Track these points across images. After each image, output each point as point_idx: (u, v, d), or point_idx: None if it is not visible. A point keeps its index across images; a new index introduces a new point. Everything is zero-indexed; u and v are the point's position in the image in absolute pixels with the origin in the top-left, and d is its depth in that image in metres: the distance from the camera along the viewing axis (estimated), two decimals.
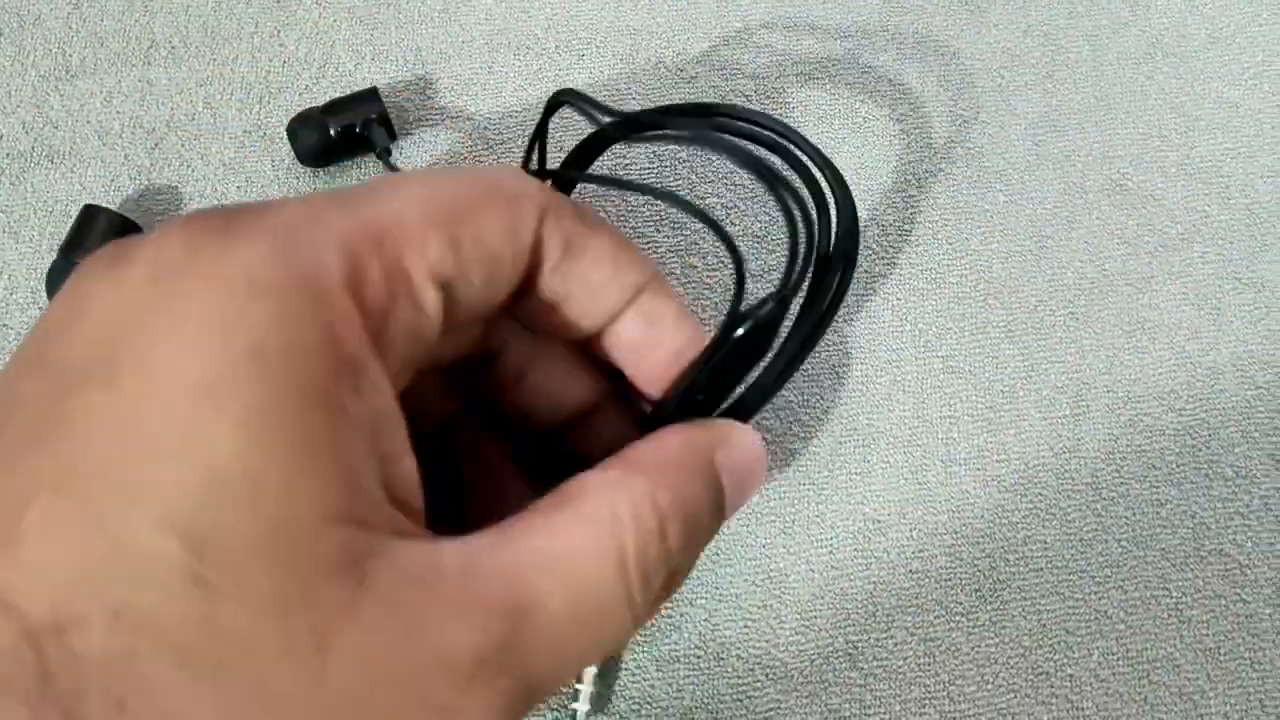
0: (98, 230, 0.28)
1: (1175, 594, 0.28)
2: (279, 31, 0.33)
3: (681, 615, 0.27)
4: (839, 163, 0.32)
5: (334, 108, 0.30)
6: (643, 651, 0.27)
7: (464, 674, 0.16)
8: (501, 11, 0.33)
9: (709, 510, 0.21)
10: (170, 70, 0.32)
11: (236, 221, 0.17)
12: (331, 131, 0.29)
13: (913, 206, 0.32)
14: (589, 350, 0.24)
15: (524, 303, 0.22)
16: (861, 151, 0.32)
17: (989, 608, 0.28)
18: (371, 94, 0.30)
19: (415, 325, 0.19)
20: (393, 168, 0.30)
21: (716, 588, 0.28)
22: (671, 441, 0.21)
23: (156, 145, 0.31)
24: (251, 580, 0.15)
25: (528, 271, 0.21)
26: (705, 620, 0.27)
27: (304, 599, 0.16)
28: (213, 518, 0.15)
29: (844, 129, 0.32)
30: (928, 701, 0.27)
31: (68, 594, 0.15)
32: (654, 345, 0.23)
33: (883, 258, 0.31)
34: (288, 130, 0.30)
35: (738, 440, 0.22)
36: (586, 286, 0.22)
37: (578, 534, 0.18)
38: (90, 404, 0.16)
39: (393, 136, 0.30)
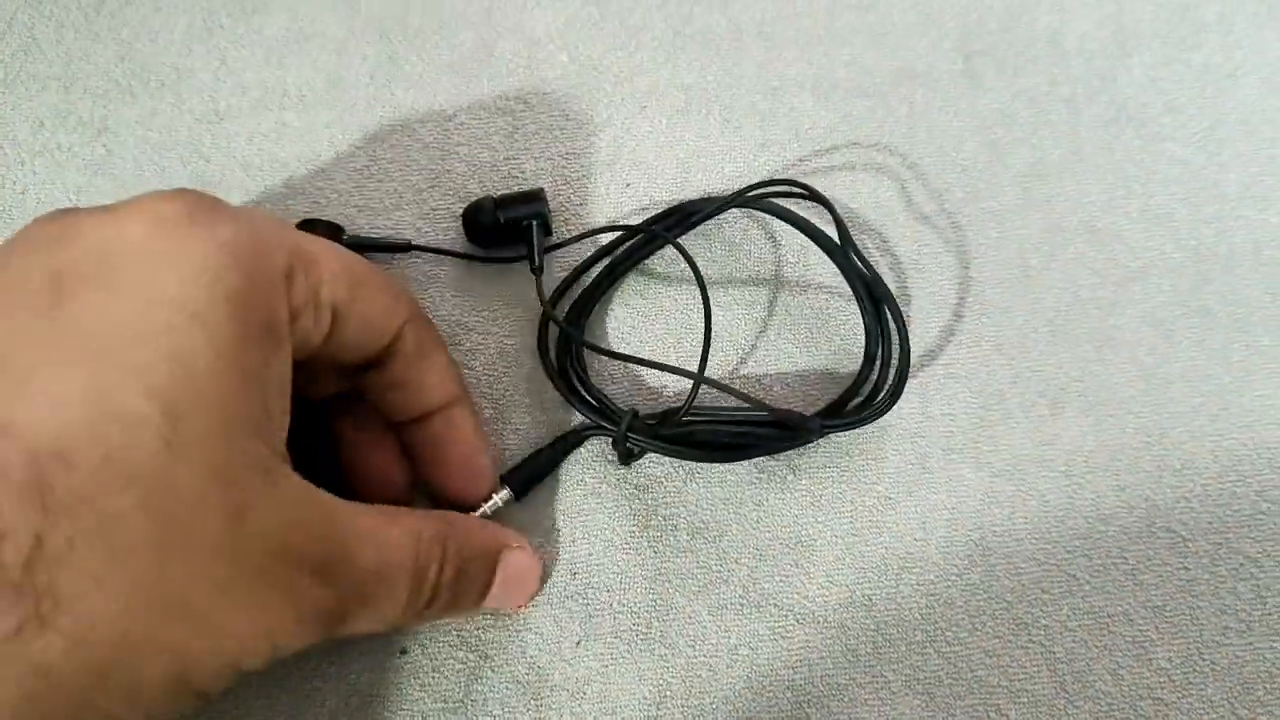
0: None
1: (1131, 561, 0.34)
2: (390, 83, 0.39)
3: (729, 571, 0.33)
4: (857, 204, 0.38)
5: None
6: (697, 600, 0.33)
7: (309, 570, 0.23)
8: (630, 145, 0.40)
9: (478, 579, 0.29)
10: (300, 114, 0.38)
11: (220, 205, 0.24)
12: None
13: (920, 240, 0.38)
14: (403, 436, 0.31)
15: (379, 376, 0.29)
16: (876, 194, 0.38)
17: (979, 569, 0.34)
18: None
19: (309, 332, 0.26)
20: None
21: (757, 550, 0.33)
22: (476, 523, 0.30)
23: (290, 177, 0.37)
24: (203, 455, 0.21)
25: (387, 351, 0.28)
26: (748, 576, 0.33)
27: (236, 481, 0.21)
28: (186, 405, 0.21)
29: (863, 173, 0.38)
30: (928, 644, 0.33)
31: (69, 434, 0.19)
32: (448, 445, 0.31)
33: (895, 283, 0.37)
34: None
35: (523, 553, 0.31)
36: (421, 384, 0.29)
37: (396, 531, 0.26)
38: (93, 302, 0.21)
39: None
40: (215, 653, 0.22)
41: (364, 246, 0.35)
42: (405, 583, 0.26)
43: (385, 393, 0.30)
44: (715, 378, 0.34)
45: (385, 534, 0.25)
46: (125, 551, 0.20)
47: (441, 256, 0.36)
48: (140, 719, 0.21)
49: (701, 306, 0.31)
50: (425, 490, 0.32)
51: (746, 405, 0.32)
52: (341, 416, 0.31)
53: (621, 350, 0.36)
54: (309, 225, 0.34)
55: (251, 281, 0.23)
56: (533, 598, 0.32)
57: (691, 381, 0.31)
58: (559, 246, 0.36)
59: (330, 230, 0.34)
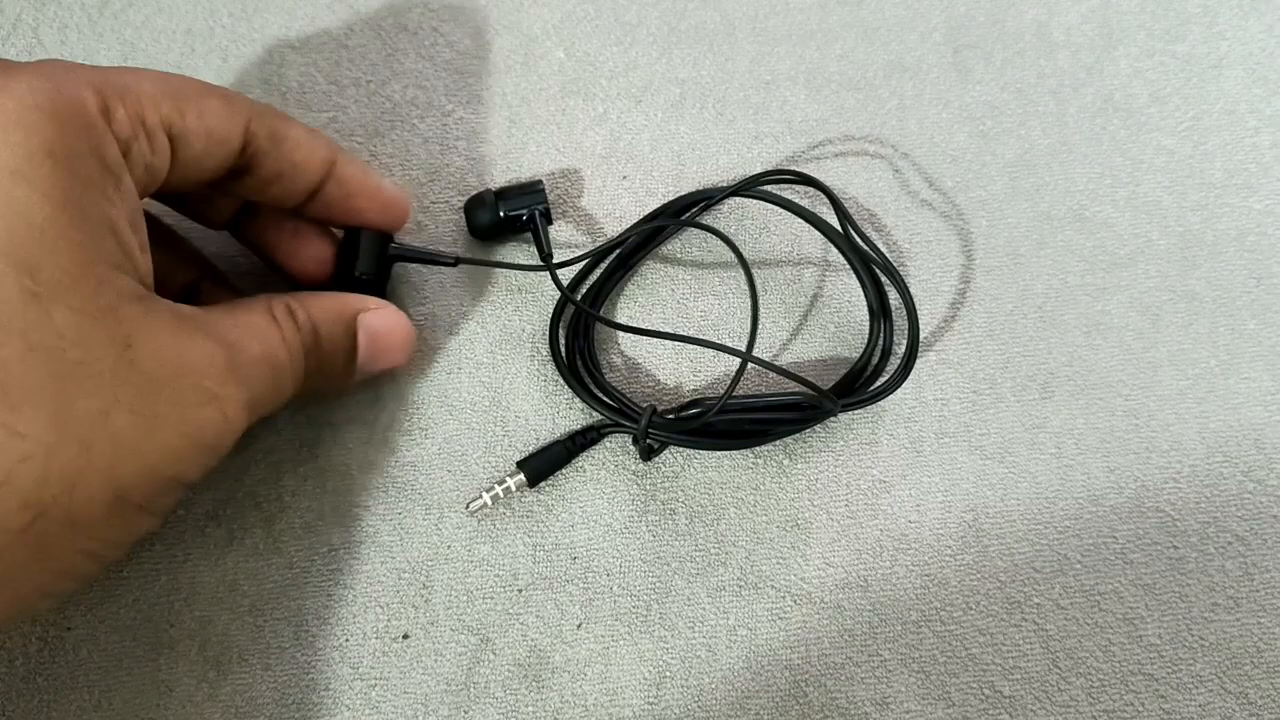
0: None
1: (1121, 541, 0.35)
2: (389, 80, 0.40)
3: (727, 554, 0.34)
4: (849, 194, 0.39)
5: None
6: (696, 582, 0.33)
7: (219, 375, 0.25)
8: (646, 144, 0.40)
9: (339, 342, 0.30)
10: (301, 111, 0.39)
11: (11, 63, 0.24)
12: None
13: (911, 229, 0.38)
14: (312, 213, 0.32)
15: (254, 179, 0.29)
16: (868, 184, 0.39)
17: (972, 550, 0.34)
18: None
19: (151, 161, 0.26)
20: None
21: (754, 533, 0.34)
22: (324, 294, 0.31)
23: None
24: (73, 297, 0.22)
25: (246, 154, 0.28)
26: (746, 559, 0.34)
27: (114, 314, 0.23)
28: (37, 255, 0.22)
29: (856, 165, 0.39)
30: (923, 623, 0.33)
31: None
32: (351, 198, 0.31)
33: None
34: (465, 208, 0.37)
35: (383, 312, 0.32)
36: (293, 165, 0.30)
37: (253, 316, 0.28)
38: None
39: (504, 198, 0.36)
40: (149, 471, 0.23)
41: (409, 258, 0.34)
42: (284, 356, 0.28)
43: (269, 190, 0.30)
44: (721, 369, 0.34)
45: (249, 321, 0.27)
46: (20, 398, 0.21)
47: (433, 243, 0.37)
48: (89, 544, 0.23)
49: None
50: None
51: (761, 394, 0.34)
52: (265, 231, 0.33)
53: (629, 352, 0.36)
54: (353, 232, 0.33)
55: (67, 127, 0.23)
56: (410, 354, 0.33)
57: (711, 368, 0.32)
58: (567, 264, 0.35)
59: (379, 239, 0.33)
